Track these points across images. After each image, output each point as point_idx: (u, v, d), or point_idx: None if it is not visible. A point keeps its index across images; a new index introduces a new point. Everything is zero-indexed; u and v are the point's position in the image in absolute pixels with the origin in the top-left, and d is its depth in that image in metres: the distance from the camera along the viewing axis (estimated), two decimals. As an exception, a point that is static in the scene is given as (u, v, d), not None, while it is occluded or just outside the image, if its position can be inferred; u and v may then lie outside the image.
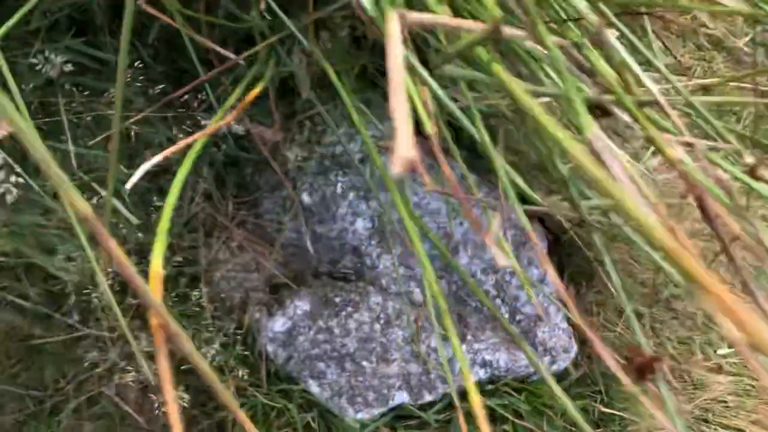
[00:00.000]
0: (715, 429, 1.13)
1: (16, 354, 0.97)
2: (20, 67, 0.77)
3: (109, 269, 0.85)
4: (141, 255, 0.89)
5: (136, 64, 0.85)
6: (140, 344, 0.98)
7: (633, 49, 0.47)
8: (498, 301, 1.02)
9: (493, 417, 1.02)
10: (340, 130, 0.99)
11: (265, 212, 1.01)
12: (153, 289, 0.27)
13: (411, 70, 0.40)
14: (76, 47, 0.76)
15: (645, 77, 0.39)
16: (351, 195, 1.00)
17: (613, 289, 1.05)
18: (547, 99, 0.56)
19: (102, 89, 0.83)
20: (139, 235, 0.85)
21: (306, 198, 1.00)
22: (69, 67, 0.71)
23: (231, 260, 1.00)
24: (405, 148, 0.19)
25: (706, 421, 1.14)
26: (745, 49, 1.39)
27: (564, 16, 0.44)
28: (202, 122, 0.80)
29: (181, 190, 0.96)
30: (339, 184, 1.00)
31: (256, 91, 0.49)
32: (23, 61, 0.80)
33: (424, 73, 0.41)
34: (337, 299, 0.99)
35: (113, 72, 0.85)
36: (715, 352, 1.15)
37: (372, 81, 1.01)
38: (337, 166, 1.01)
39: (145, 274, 0.25)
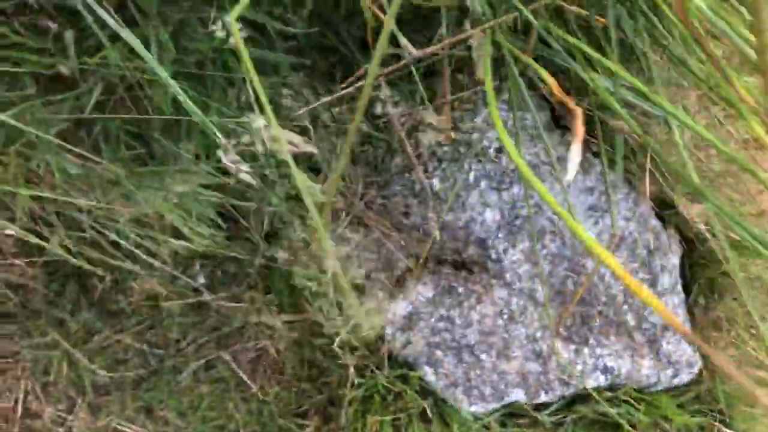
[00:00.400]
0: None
1: (144, 312, 0.99)
2: (189, 30, 0.78)
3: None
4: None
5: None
6: (262, 317, 0.99)
7: None
8: (625, 307, 0.98)
9: (607, 424, 1.00)
10: (479, 117, 0.97)
11: (393, 195, 1.00)
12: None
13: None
14: (249, 17, 0.75)
15: None
16: (483, 184, 0.98)
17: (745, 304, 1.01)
18: None
19: (260, 57, 0.83)
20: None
21: (437, 184, 0.98)
22: (244, 34, 0.71)
23: (355, 239, 1.00)
24: None
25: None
26: None
27: None
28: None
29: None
30: (472, 173, 0.98)
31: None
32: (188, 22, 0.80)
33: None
34: (461, 289, 0.98)
35: (273, 43, 0.85)
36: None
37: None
38: (472, 153, 0.98)
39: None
